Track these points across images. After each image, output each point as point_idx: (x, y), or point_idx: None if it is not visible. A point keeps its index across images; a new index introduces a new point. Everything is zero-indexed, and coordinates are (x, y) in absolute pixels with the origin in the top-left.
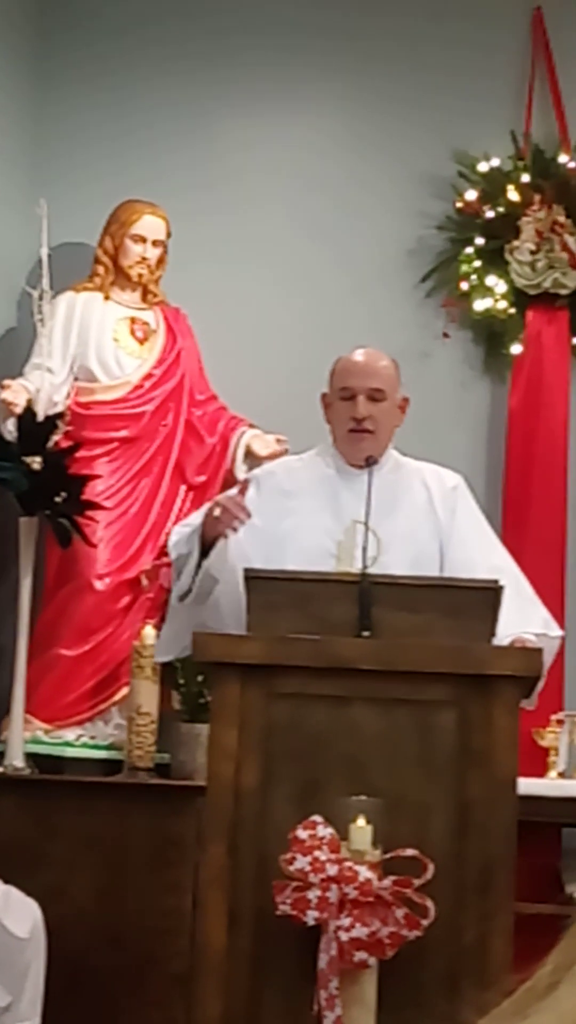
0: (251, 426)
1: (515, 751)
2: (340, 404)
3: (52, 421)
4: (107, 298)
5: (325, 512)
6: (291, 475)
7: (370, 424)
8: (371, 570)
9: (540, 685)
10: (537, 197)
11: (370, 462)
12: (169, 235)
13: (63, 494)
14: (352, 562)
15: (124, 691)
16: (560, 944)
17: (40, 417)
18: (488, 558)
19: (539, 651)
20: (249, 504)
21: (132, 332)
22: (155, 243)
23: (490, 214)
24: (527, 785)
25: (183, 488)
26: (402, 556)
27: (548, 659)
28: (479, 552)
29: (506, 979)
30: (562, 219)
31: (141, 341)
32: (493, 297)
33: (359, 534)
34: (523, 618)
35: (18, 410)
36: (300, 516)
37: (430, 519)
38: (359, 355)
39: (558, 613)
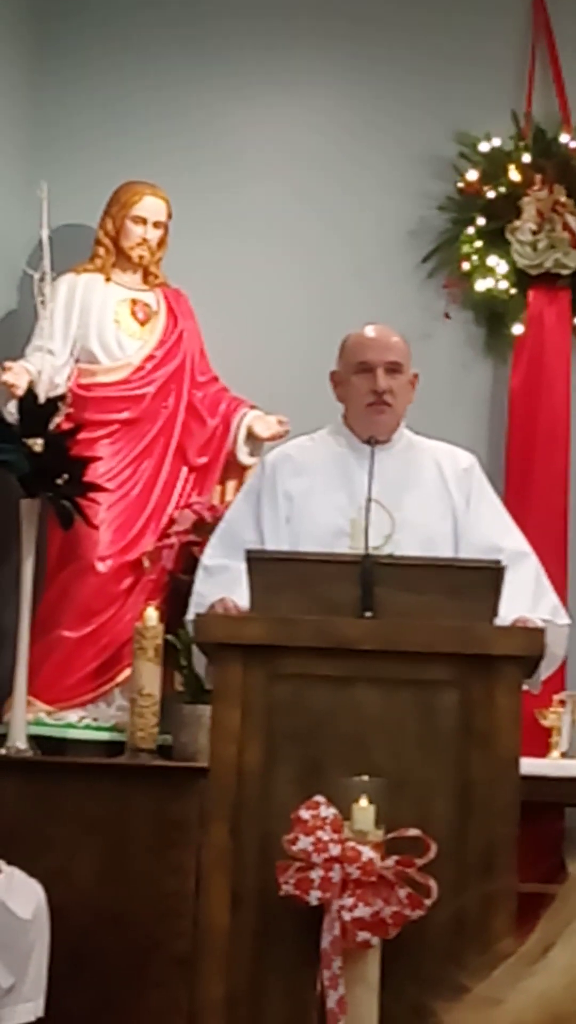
0: (252, 407)
1: (517, 731)
2: (357, 379)
3: (53, 403)
4: (108, 280)
5: (339, 490)
6: (304, 454)
7: (389, 398)
8: (385, 548)
9: (550, 672)
10: (538, 177)
11: (371, 442)
12: (170, 216)
13: (65, 476)
14: (366, 540)
15: (126, 673)
16: (549, 911)
17: (41, 399)
18: (509, 542)
19: (541, 631)
20: (267, 489)
21: (133, 314)
22: (156, 224)
23: (491, 194)
24: (529, 765)
25: (184, 470)
26: (416, 535)
27: (559, 647)
28: (499, 536)
29: (502, 947)
30: (563, 199)
31: (142, 323)
32: (494, 277)
33: (373, 512)
34: (535, 602)
35: (19, 392)
36: (314, 495)
37: (443, 499)
38: (372, 330)
39: (560, 593)
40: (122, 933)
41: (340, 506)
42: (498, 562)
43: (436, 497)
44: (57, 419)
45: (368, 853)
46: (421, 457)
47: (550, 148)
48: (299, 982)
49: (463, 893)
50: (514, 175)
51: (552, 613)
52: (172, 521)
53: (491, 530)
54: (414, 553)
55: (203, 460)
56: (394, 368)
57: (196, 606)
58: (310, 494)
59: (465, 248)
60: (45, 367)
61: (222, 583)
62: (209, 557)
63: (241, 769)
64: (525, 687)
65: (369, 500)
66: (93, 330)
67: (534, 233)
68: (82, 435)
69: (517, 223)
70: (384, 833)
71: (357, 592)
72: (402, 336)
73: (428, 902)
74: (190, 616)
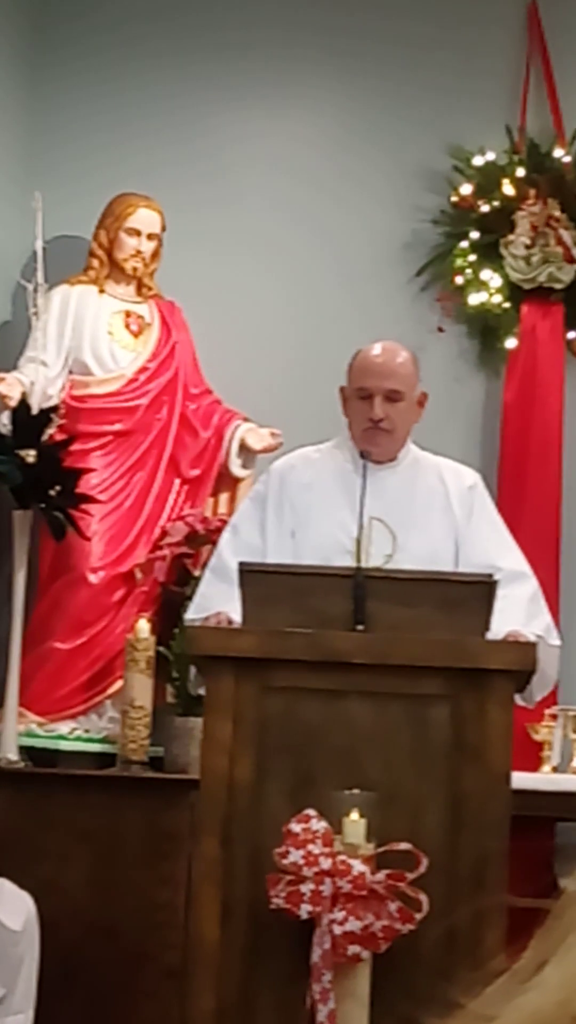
0: (245, 420)
1: (509, 745)
2: (357, 403)
3: (46, 414)
4: (102, 291)
5: (343, 508)
6: (310, 467)
7: (386, 424)
8: (386, 567)
9: (544, 693)
10: (532, 191)
11: (364, 455)
12: (164, 228)
13: (57, 487)
14: (367, 558)
15: (118, 684)
16: (543, 928)
17: (34, 410)
18: (507, 562)
19: (533, 645)
20: (273, 498)
21: (127, 325)
22: (150, 236)
23: (485, 208)
24: (520, 779)
25: (177, 482)
26: (417, 555)
27: (551, 668)
28: (497, 555)
29: (494, 963)
30: (557, 213)
31: (136, 334)
32: (488, 291)
33: (375, 531)
34: (527, 619)
35: (12, 403)
36: (318, 510)
37: (446, 517)
38: (377, 352)
39: (552, 607)
40: (113, 945)
41: (343, 523)
42: (490, 576)
43: (439, 516)
44: (50, 430)
45: (359, 867)
46: (426, 474)
47: (544, 162)
48: (289, 995)
49: (454, 907)
50: (508, 189)
51: (544, 632)
52: (164, 533)
53: (489, 549)
54: None
55: (196, 472)
56: (393, 396)
57: (198, 608)
58: (314, 509)
59: (459, 262)
60: (38, 378)
61: (226, 589)
62: (217, 558)
63: (232, 782)
64: (521, 702)
65: (361, 516)
66: (86, 342)
67: (528, 247)
68: (75, 446)
69: (511, 237)
70: (375, 847)
71: (349, 605)
72: (410, 354)
73: (419, 916)
74: (189, 615)
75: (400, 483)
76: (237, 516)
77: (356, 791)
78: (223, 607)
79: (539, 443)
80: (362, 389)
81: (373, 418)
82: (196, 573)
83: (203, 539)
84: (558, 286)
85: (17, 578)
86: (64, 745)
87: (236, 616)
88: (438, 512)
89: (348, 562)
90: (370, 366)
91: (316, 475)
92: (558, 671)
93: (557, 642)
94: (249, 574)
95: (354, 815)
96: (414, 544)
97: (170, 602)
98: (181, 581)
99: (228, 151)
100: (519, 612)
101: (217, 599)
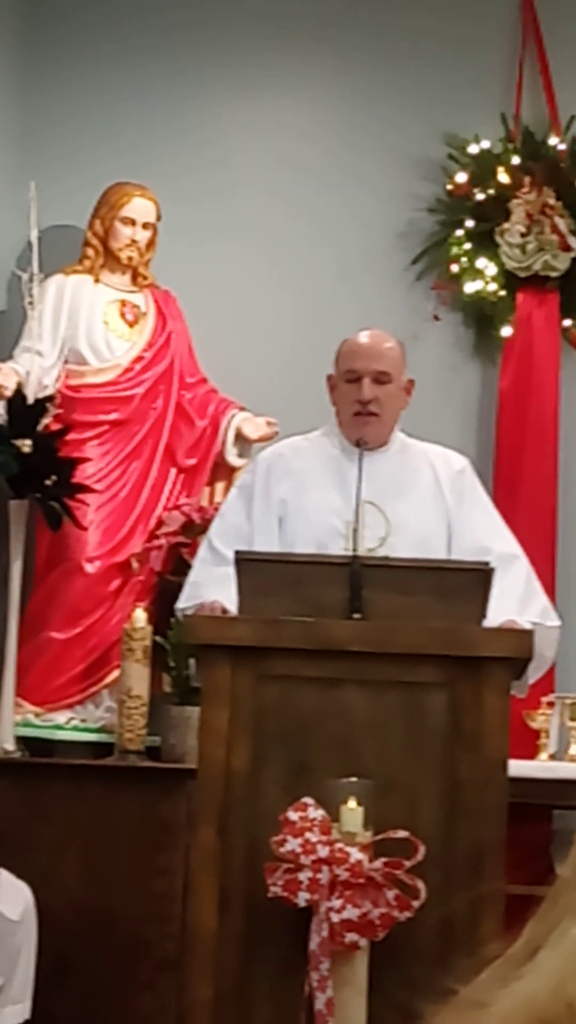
0: (241, 409)
1: (506, 733)
2: (345, 386)
3: (42, 404)
4: (97, 281)
5: (334, 492)
6: (299, 455)
7: (375, 407)
8: (380, 551)
9: (539, 675)
10: (527, 179)
11: (359, 444)
12: (159, 217)
13: (53, 477)
14: (361, 542)
15: (115, 674)
16: (537, 913)
17: (30, 400)
18: (499, 544)
19: (529, 633)
20: (260, 488)
21: (122, 315)
22: (145, 225)
23: (480, 196)
24: (518, 767)
25: (173, 471)
26: (411, 537)
27: (548, 649)
28: (489, 538)
29: (490, 949)
30: (552, 201)
31: (131, 324)
32: (483, 279)
33: (368, 514)
34: (523, 605)
35: (8, 393)
36: (309, 496)
37: (438, 501)
38: (364, 337)
39: (548, 594)
40: (110, 935)
41: (335, 507)
42: (487, 564)
43: (431, 499)
44: (46, 420)
45: (356, 855)
46: (415, 460)
47: (539, 150)
48: (287, 984)
49: (451, 895)
50: (503, 177)
51: (541, 616)
52: (160, 522)
53: (481, 532)
54: (408, 555)
55: (192, 461)
56: (381, 378)
57: (189, 596)
58: (303, 495)
59: (454, 250)
60: (34, 368)
61: (218, 576)
62: (205, 547)
63: (229, 771)
64: (512, 691)
65: (358, 502)
66: (82, 331)
67: (523, 235)
68: (71, 436)
69: (506, 225)
70: (372, 835)
71: (345, 594)
72: (397, 342)
73: (416, 904)
74: (180, 604)
75: (390, 467)
76: (225, 505)
77: (353, 779)
78: (214, 594)
79: (535, 431)
80: (351, 371)
81: (362, 399)
82: (192, 562)
83: (199, 528)
84: (553, 274)
85: (13, 568)
86: (61, 735)
87: (228, 604)
88: (429, 496)
89: (342, 545)
90: (358, 349)
91: (304, 462)
92: (554, 657)
93: (556, 623)
94: (245, 563)
95: (351, 803)
96: (407, 526)
97: (166, 591)
98: (177, 570)
99: (223, 142)
100: (513, 598)
101: (208, 586)
